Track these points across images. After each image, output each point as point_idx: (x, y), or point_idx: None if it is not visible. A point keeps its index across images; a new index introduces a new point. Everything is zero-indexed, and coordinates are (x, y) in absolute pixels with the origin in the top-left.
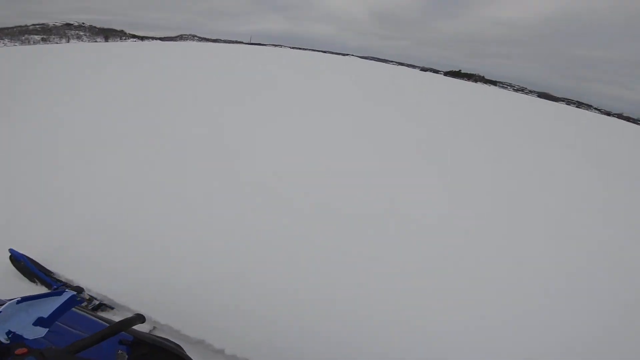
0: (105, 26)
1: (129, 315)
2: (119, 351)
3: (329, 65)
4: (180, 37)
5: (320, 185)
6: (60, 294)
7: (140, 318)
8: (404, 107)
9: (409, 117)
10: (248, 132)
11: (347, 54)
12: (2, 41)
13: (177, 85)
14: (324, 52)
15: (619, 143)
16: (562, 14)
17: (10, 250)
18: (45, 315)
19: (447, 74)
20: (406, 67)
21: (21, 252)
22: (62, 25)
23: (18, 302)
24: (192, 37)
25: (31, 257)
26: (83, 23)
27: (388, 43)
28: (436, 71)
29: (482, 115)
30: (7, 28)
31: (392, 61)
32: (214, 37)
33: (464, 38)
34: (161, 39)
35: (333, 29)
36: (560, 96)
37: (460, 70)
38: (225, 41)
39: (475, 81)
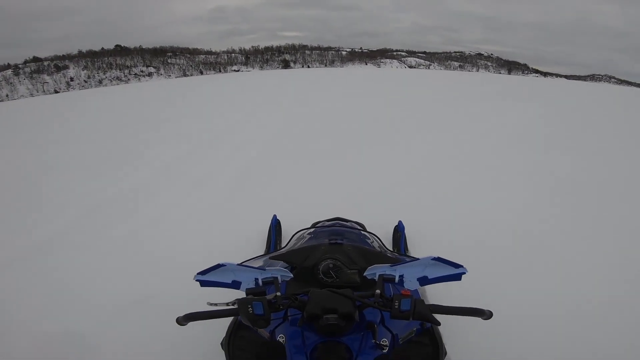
0: (510, 58)
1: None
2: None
3: None
4: (592, 77)
5: None
6: (457, 267)
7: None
8: None
9: None
10: None
11: None
12: (432, 65)
13: None
14: None
15: None
16: None
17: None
18: (430, 277)
19: None
20: None
21: None
22: (475, 55)
23: (433, 259)
24: (609, 79)
25: None
26: (491, 54)
27: None
28: None
29: None
30: (437, 53)
31: None
32: (638, 81)
33: None
34: (567, 76)
35: None
36: None
37: None
38: None
39: None
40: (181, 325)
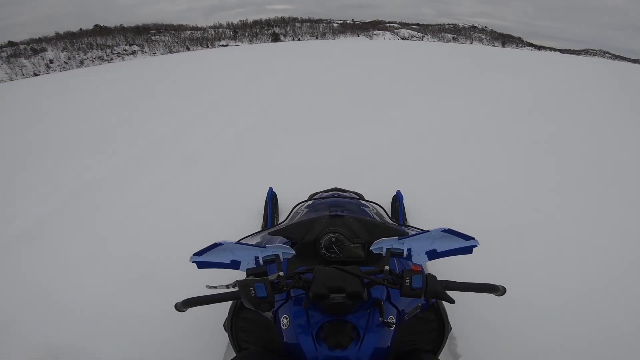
0: (505, 32)
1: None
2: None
3: None
4: (586, 52)
5: None
6: (468, 239)
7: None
8: None
9: None
10: None
11: None
12: (425, 37)
13: None
14: None
15: None
16: None
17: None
18: (439, 250)
19: None
20: None
21: None
22: (469, 28)
23: (443, 230)
24: (603, 54)
25: None
26: (486, 27)
27: None
28: None
29: None
30: (431, 25)
31: None
32: (634, 57)
33: None
34: (561, 50)
35: None
36: None
37: None
38: None
39: None
40: (180, 311)
